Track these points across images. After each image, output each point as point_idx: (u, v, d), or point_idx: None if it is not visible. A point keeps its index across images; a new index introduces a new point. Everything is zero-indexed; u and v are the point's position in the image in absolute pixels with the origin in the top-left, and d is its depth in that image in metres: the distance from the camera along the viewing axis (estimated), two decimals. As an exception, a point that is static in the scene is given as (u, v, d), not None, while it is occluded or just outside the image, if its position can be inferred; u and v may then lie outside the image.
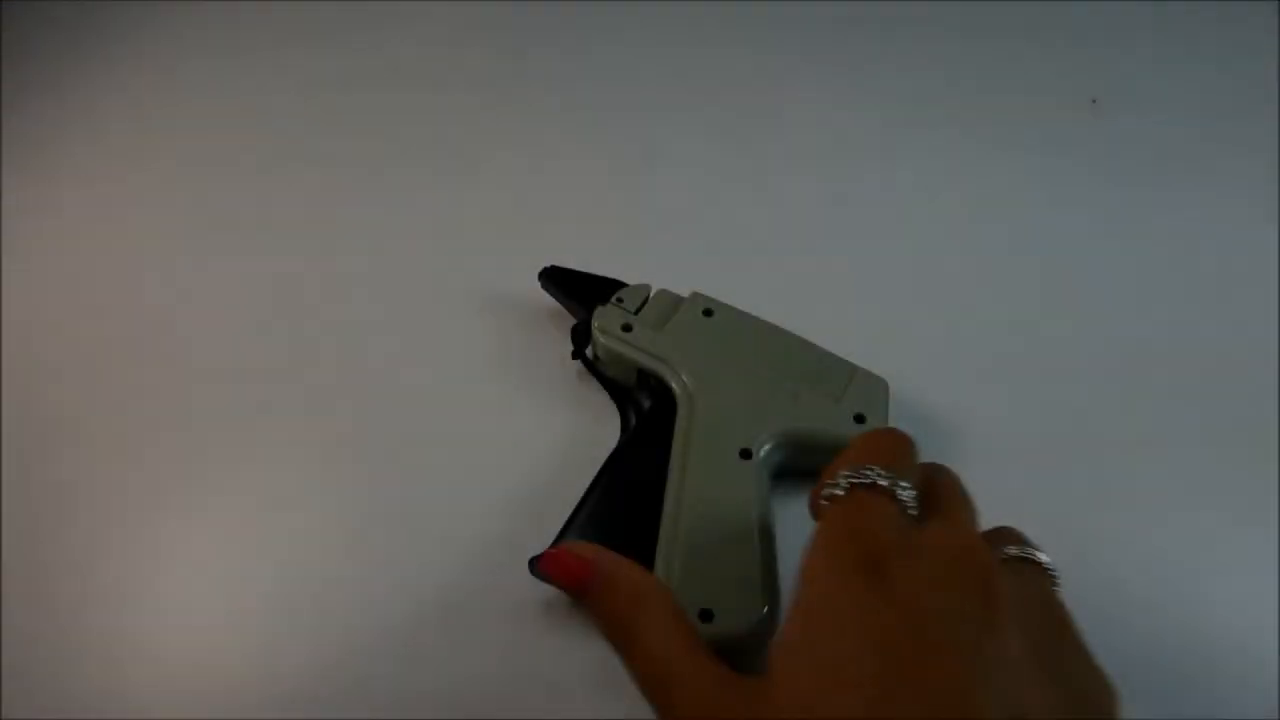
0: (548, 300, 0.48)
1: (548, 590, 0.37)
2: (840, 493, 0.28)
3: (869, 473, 0.28)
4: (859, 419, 0.40)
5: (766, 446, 0.39)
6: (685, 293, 0.45)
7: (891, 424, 0.41)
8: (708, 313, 0.43)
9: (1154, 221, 0.56)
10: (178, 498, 0.44)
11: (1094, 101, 0.63)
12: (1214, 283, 0.53)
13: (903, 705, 0.21)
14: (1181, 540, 0.42)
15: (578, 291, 0.46)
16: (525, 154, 0.61)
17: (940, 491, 0.30)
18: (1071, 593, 0.40)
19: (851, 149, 0.60)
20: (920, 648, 0.22)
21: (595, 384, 0.45)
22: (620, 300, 0.44)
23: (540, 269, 0.47)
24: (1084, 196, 0.58)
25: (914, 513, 0.28)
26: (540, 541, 0.38)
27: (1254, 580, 0.41)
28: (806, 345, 0.43)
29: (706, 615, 0.33)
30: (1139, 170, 0.59)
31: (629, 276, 0.46)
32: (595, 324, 0.43)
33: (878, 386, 0.42)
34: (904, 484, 0.28)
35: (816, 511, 0.29)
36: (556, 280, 0.47)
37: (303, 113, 0.64)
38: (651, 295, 0.44)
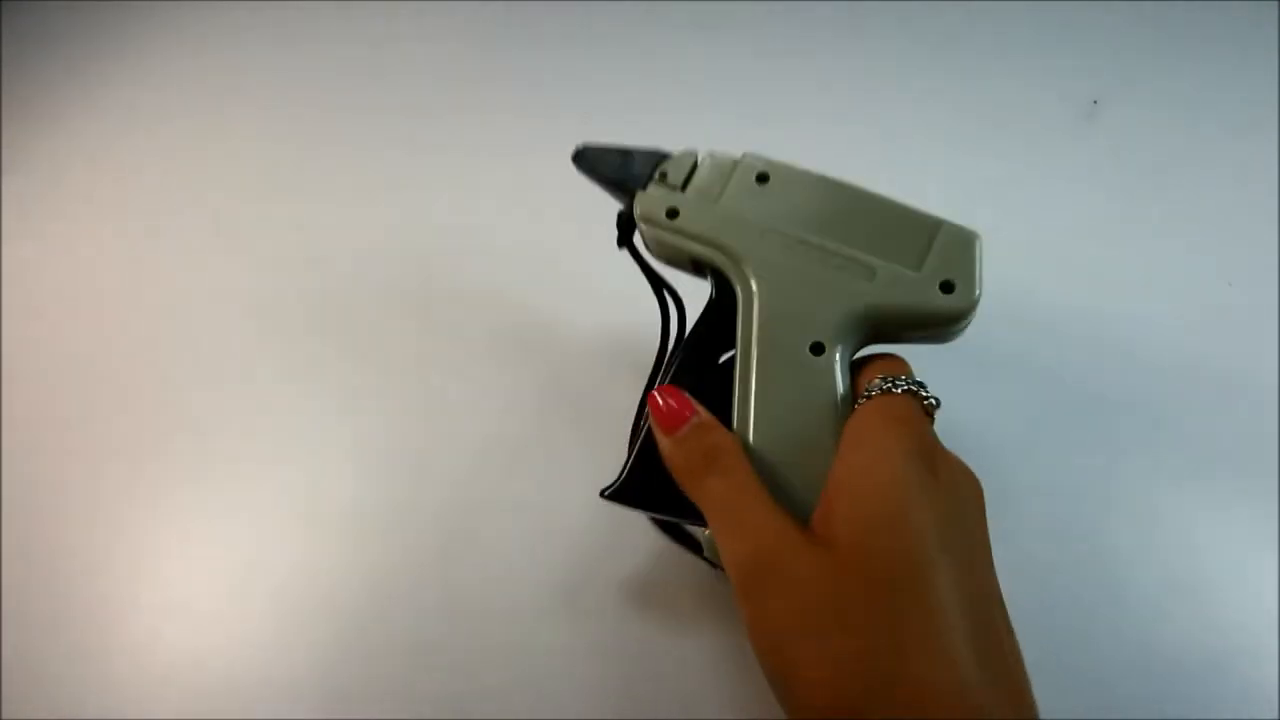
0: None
1: (560, 589, 0.37)
2: (898, 390, 0.31)
3: (914, 384, 0.32)
4: (947, 287, 0.35)
5: (841, 337, 0.34)
6: (739, 153, 0.38)
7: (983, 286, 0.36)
8: (762, 178, 0.37)
9: (1154, 221, 0.56)
10: (180, 498, 0.44)
11: (1095, 102, 0.63)
12: (1214, 283, 0.53)
13: (955, 558, 0.27)
14: (1181, 540, 0.42)
15: (617, 171, 0.39)
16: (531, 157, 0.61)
17: None
18: (1072, 594, 0.40)
19: (850, 149, 0.60)
20: (961, 530, 0.29)
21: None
22: (664, 176, 0.38)
23: (573, 150, 0.40)
24: (1084, 197, 0.58)
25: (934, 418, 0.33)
26: (539, 544, 0.38)
27: (1254, 580, 0.41)
28: (878, 202, 0.37)
29: None
30: (1139, 171, 0.59)
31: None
32: (638, 212, 0.37)
33: (966, 243, 0.36)
34: (934, 399, 0.32)
35: (864, 398, 0.32)
36: (592, 163, 0.39)
37: (304, 113, 0.64)
38: (699, 162, 0.38)
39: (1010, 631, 0.29)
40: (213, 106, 0.65)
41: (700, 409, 0.32)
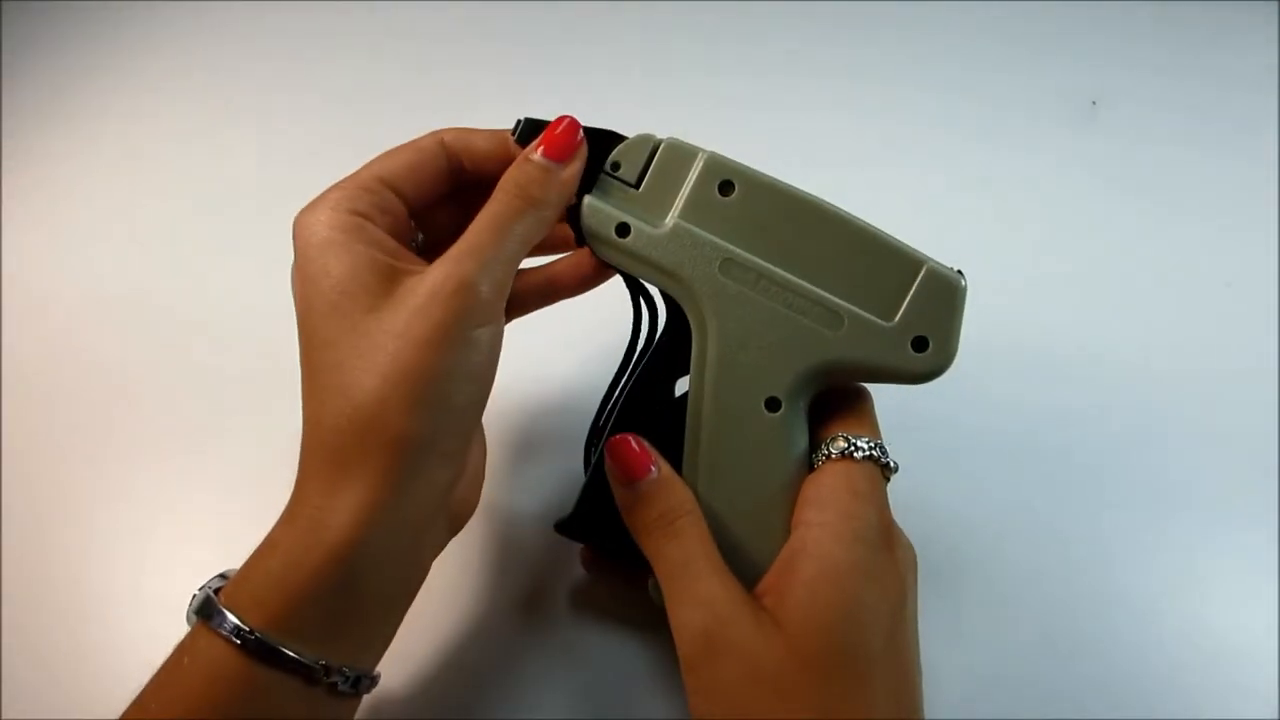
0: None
1: (542, 592, 0.37)
2: (859, 456, 0.31)
3: (875, 448, 0.31)
4: (920, 344, 0.31)
5: (799, 391, 0.32)
6: (700, 148, 0.33)
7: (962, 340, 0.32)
8: (725, 187, 0.32)
9: (1153, 222, 0.56)
10: (180, 498, 0.44)
11: (1094, 103, 0.63)
12: (1214, 283, 0.53)
13: (895, 648, 0.28)
14: (1181, 541, 0.42)
15: None
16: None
17: None
18: (1072, 595, 0.40)
19: (849, 150, 0.60)
20: (904, 615, 0.29)
21: None
22: (616, 167, 0.32)
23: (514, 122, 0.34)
24: (1084, 197, 0.58)
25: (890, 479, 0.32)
26: (539, 549, 0.38)
27: (1253, 580, 0.41)
28: (853, 230, 0.32)
29: None
30: (1139, 171, 0.59)
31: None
32: (584, 225, 0.32)
33: (947, 293, 0.31)
34: (893, 464, 0.32)
35: (823, 457, 0.32)
36: (530, 138, 0.32)
37: (305, 111, 0.64)
38: (658, 154, 0.32)
39: (920, 700, 0.30)
40: (213, 106, 0.65)
41: (660, 462, 0.31)
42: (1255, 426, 0.46)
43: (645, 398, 0.33)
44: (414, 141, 0.34)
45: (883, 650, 0.27)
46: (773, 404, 0.31)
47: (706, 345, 0.32)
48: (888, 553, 0.29)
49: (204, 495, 0.44)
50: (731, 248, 0.32)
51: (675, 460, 0.32)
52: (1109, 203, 0.57)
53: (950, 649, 0.37)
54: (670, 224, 0.32)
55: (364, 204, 0.33)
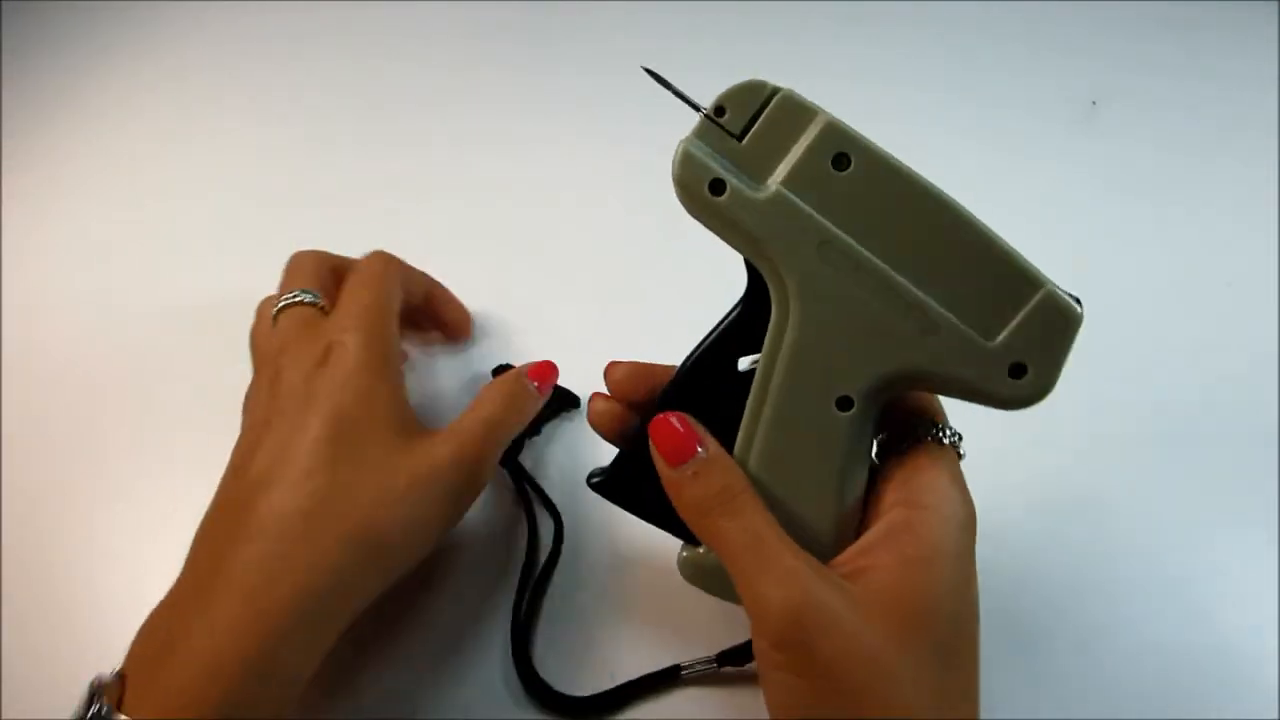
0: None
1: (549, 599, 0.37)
2: (946, 441, 0.31)
3: (956, 436, 0.32)
4: (1017, 370, 0.28)
5: (877, 394, 0.29)
6: (819, 109, 0.29)
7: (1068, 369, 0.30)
8: (841, 160, 0.28)
9: (1153, 222, 0.56)
10: (181, 498, 0.44)
11: (1094, 103, 0.63)
12: (1215, 283, 0.53)
13: (969, 646, 0.29)
14: (1181, 540, 0.42)
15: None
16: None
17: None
18: (1072, 594, 0.40)
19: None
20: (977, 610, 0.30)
21: None
22: (721, 113, 0.29)
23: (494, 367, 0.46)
24: (1084, 197, 0.58)
25: None
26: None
27: (1254, 580, 0.41)
28: (973, 233, 0.29)
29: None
30: (1139, 171, 0.59)
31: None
32: (675, 175, 0.29)
33: (1063, 324, 0.28)
34: (964, 451, 0.32)
35: (909, 441, 0.31)
36: (500, 372, 0.37)
37: (305, 110, 0.64)
38: (771, 105, 0.29)
39: None
40: (213, 105, 0.65)
41: (709, 441, 0.30)
42: (1255, 426, 0.46)
43: (709, 370, 0.31)
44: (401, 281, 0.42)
45: (975, 636, 0.29)
46: (844, 403, 0.29)
47: (786, 328, 0.29)
48: (973, 542, 0.30)
49: (205, 496, 0.44)
50: (835, 230, 0.28)
51: (728, 439, 0.31)
52: (1109, 203, 0.57)
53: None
54: (772, 189, 0.28)
55: (394, 339, 0.39)
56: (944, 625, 0.27)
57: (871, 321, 0.28)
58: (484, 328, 0.50)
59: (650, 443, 0.30)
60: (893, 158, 0.29)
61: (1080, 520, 0.42)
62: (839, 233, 0.28)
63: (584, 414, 0.45)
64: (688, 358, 0.32)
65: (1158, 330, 0.50)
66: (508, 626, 0.38)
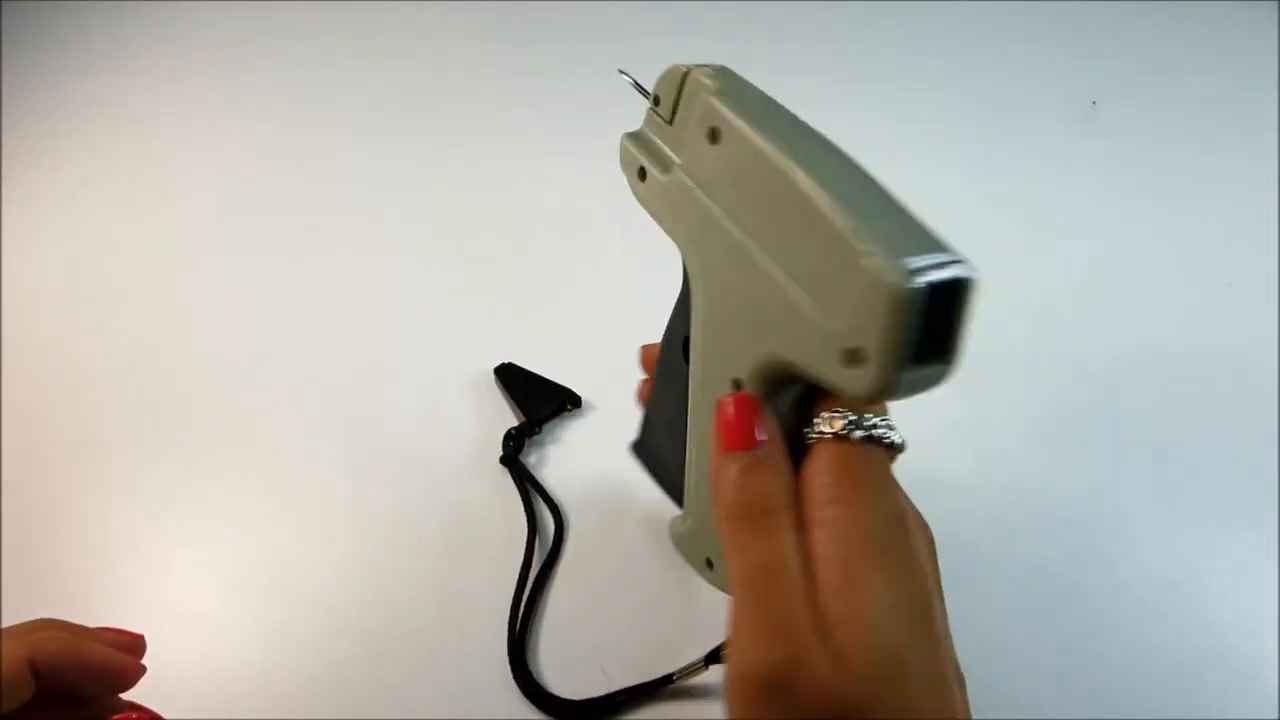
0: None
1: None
2: (859, 435, 0.26)
3: (879, 425, 0.27)
4: (852, 358, 0.23)
5: (766, 383, 0.27)
6: (709, 80, 0.28)
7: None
8: (714, 134, 0.27)
9: (1155, 222, 0.56)
10: (181, 498, 0.44)
11: (1094, 103, 0.63)
12: (1215, 283, 0.53)
13: (933, 648, 0.25)
14: (1181, 540, 0.42)
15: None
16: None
17: None
18: (1072, 595, 0.40)
19: (848, 150, 0.60)
20: (933, 609, 0.26)
21: None
22: (657, 102, 0.29)
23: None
24: (1084, 197, 0.58)
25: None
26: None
27: (1254, 580, 0.41)
28: (819, 209, 0.24)
29: (710, 564, 0.30)
30: (1139, 171, 0.59)
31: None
32: (620, 157, 0.31)
33: (881, 301, 0.22)
34: (899, 441, 0.27)
35: (815, 438, 0.27)
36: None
37: (304, 109, 0.64)
38: (684, 86, 0.28)
39: (960, 695, 0.27)
40: (213, 105, 0.65)
41: (774, 438, 0.27)
42: (1256, 426, 0.46)
43: (672, 347, 0.30)
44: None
45: (916, 652, 0.25)
46: (737, 387, 0.27)
47: (697, 309, 0.29)
48: (904, 546, 0.26)
49: (205, 495, 0.44)
50: (714, 208, 0.27)
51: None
52: (1108, 203, 0.57)
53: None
54: (673, 172, 0.28)
55: None
56: (869, 655, 0.24)
57: (746, 303, 0.27)
58: (485, 328, 0.50)
59: (714, 421, 0.28)
60: (756, 127, 0.26)
61: (1080, 520, 0.42)
62: (717, 211, 0.27)
63: (585, 413, 0.45)
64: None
65: (1158, 330, 0.50)
66: (505, 626, 0.38)
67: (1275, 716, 0.37)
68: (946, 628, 0.26)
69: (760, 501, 0.26)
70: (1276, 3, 0.70)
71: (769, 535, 0.26)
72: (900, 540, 0.26)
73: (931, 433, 0.44)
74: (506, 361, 0.47)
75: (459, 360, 0.48)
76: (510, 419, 0.46)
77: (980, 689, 0.37)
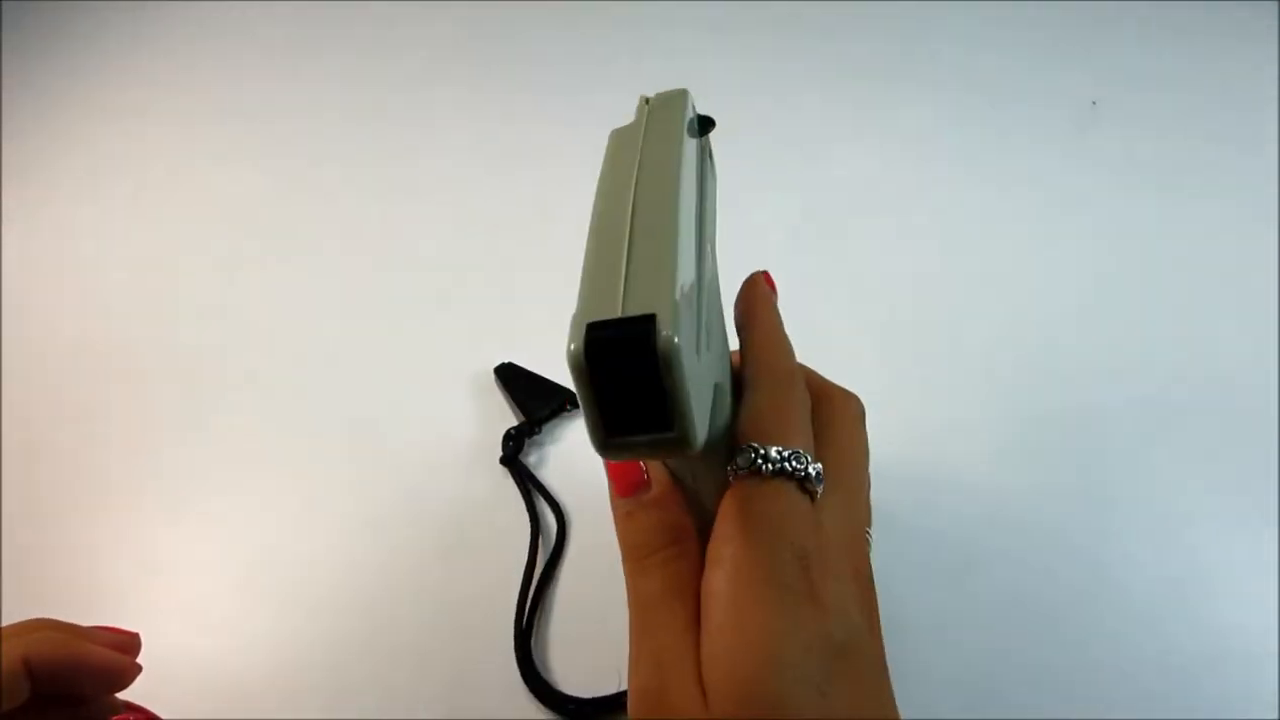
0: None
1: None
2: (769, 470, 0.26)
3: (788, 458, 0.26)
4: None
5: None
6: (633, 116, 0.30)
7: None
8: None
9: (1154, 222, 0.56)
10: (183, 497, 0.44)
11: (1094, 103, 0.63)
12: (1215, 283, 0.53)
13: (840, 706, 0.24)
14: (1182, 540, 0.42)
15: None
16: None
17: (835, 454, 0.29)
18: (1072, 595, 0.40)
19: (848, 150, 0.60)
20: (849, 664, 0.25)
21: None
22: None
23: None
24: (1084, 197, 0.58)
25: (819, 492, 0.27)
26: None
27: (1254, 581, 0.41)
28: (603, 229, 0.23)
29: None
30: (1139, 171, 0.59)
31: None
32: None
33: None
34: (814, 473, 0.26)
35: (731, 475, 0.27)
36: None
37: (304, 109, 0.64)
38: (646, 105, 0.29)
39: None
40: (214, 105, 0.65)
41: (659, 481, 0.29)
42: (1256, 425, 0.46)
43: None
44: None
45: (814, 708, 0.24)
46: None
47: None
48: (808, 594, 0.25)
49: (205, 495, 0.44)
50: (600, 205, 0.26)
51: None
52: (1108, 203, 0.57)
53: (945, 648, 0.37)
54: None
55: None
56: (753, 708, 0.23)
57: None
58: (485, 328, 0.50)
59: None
60: (609, 152, 0.26)
61: (1080, 520, 0.42)
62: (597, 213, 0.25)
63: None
64: None
65: (1158, 330, 0.50)
66: (510, 625, 0.38)
67: (1275, 717, 0.37)
68: (869, 693, 0.25)
69: (643, 545, 0.28)
70: (1276, 3, 0.70)
71: (647, 573, 0.27)
72: (797, 579, 0.25)
73: (931, 432, 0.44)
74: (506, 361, 0.47)
75: (459, 360, 0.48)
76: (510, 419, 0.46)
77: (978, 690, 0.37)
